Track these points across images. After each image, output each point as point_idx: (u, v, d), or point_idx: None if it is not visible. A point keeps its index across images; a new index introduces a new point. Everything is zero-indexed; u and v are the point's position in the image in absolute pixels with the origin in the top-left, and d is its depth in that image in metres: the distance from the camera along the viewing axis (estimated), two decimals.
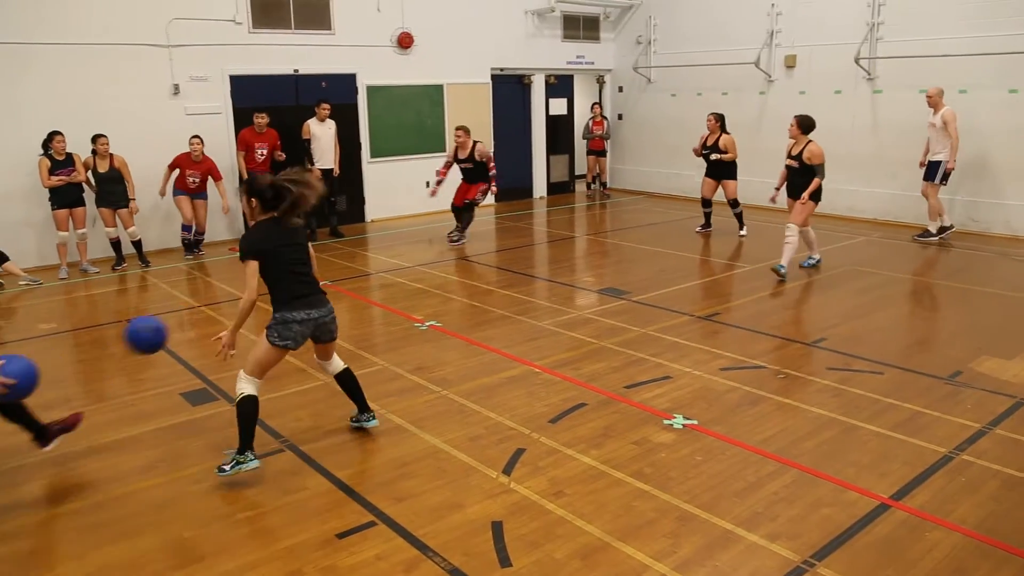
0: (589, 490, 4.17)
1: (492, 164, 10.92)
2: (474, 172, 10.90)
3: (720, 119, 11.12)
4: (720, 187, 11.21)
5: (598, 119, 14.89)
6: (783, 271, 8.50)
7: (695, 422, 4.97)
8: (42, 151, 9.08)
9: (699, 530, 3.78)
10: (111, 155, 9.44)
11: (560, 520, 3.89)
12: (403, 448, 4.72)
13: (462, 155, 10.82)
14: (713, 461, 4.47)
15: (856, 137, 12.24)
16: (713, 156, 11.08)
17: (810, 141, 8.83)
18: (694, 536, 3.73)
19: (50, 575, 3.56)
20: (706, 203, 11.47)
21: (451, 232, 11.15)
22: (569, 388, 5.60)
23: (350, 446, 4.77)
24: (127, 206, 9.59)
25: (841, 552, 3.57)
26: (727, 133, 11.08)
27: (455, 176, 11.15)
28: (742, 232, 11.08)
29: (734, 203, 11.17)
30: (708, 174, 11.35)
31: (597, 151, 15.04)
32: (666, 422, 4.98)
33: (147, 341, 4.59)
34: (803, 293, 8.02)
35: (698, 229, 11.55)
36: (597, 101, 15.63)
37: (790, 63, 12.93)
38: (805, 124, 8.87)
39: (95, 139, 9.33)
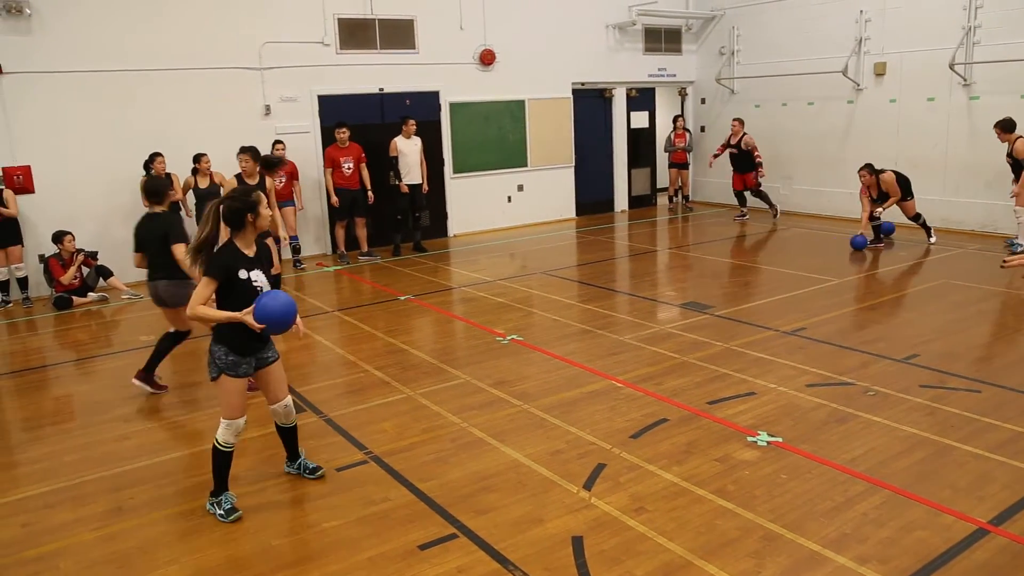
0: (671, 507, 4.13)
1: (757, 153, 13.36)
2: (739, 159, 13.53)
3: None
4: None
5: (680, 132, 14.78)
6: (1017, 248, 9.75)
7: (780, 439, 4.86)
8: (144, 172, 9.57)
9: (784, 550, 3.69)
10: (211, 173, 9.89)
11: (641, 537, 3.86)
12: (484, 462, 4.77)
13: (733, 141, 13.47)
14: (799, 480, 4.36)
15: (951, 145, 11.76)
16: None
17: (1020, 137, 9.74)
18: (779, 556, 3.64)
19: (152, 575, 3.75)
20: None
21: (737, 215, 13.96)
22: (651, 403, 5.55)
23: (432, 459, 4.84)
24: None
25: None
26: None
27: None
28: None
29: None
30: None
31: (679, 164, 14.94)
32: (750, 439, 4.89)
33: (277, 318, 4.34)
34: (894, 308, 7.74)
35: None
36: (680, 114, 15.50)
37: (880, 70, 12.54)
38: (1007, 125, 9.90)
39: (197, 158, 9.81)
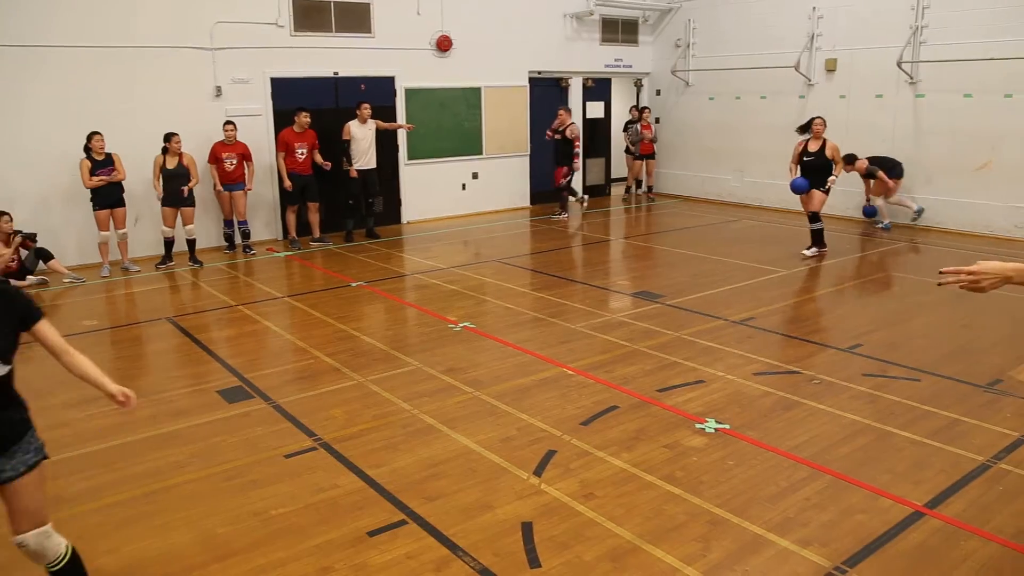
0: (620, 493, 4.17)
1: (578, 146, 13.07)
2: (561, 150, 13.10)
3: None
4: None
5: (647, 123, 14.87)
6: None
7: (727, 426, 4.94)
8: (85, 152, 9.31)
9: (730, 534, 3.75)
10: (181, 153, 9.73)
11: (590, 522, 3.89)
12: (435, 448, 4.76)
13: (557, 127, 12.94)
14: (745, 466, 4.43)
15: (897, 141, 12.04)
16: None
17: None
18: (725, 540, 3.71)
19: (87, 567, 3.64)
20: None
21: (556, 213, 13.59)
22: (602, 391, 5.59)
23: (382, 445, 4.81)
24: (191, 204, 9.89)
25: (873, 559, 3.53)
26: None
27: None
28: None
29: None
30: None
31: (647, 155, 15.03)
32: (698, 426, 4.96)
33: None
34: (839, 298, 7.91)
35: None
36: (646, 105, 15.58)
37: (831, 67, 12.77)
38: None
39: (168, 137, 9.65)
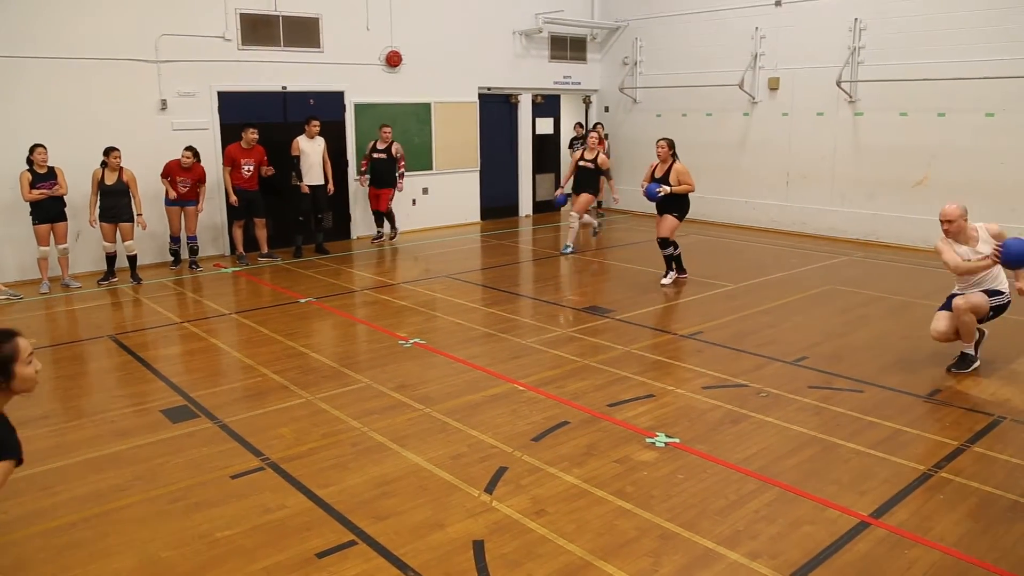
0: (571, 508, 4.17)
1: (403, 164, 12.19)
2: (383, 170, 12.11)
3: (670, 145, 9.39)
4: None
5: (600, 139, 14.96)
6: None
7: (677, 440, 4.98)
8: (27, 165, 9.04)
9: (680, 548, 3.78)
10: (121, 168, 9.45)
11: (542, 539, 3.88)
12: (385, 466, 4.70)
13: (380, 147, 12.03)
14: (695, 479, 4.47)
15: (838, 158, 12.38)
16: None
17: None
18: (675, 555, 3.73)
19: None
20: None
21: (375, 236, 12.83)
22: (552, 406, 5.60)
23: (331, 464, 4.74)
24: (130, 220, 9.59)
25: (821, 570, 3.58)
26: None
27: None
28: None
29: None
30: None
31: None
32: (649, 440, 4.99)
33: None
34: (785, 312, 8.07)
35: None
36: (599, 121, 15.71)
37: (773, 85, 13.08)
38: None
39: (108, 152, 9.37)
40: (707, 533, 3.90)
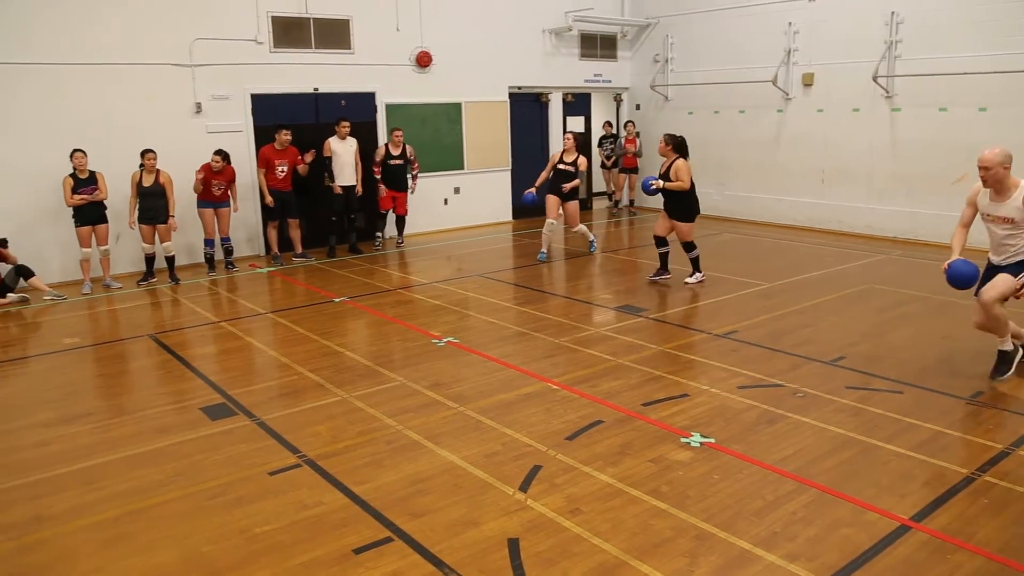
0: (606, 508, 4.16)
1: (416, 165, 11.97)
2: (396, 173, 11.85)
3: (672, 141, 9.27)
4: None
5: (631, 136, 14.98)
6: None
7: (713, 440, 4.95)
8: (72, 170, 9.23)
9: (716, 549, 3.75)
10: (157, 171, 9.60)
11: (576, 538, 3.87)
12: (420, 464, 4.73)
13: (395, 152, 11.74)
14: (731, 480, 4.44)
15: (875, 155, 12.20)
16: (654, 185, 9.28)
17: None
18: (711, 555, 3.70)
19: None
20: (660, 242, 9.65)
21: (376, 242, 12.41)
22: (586, 405, 5.59)
23: (367, 462, 4.78)
24: (166, 221, 9.73)
25: (860, 574, 3.53)
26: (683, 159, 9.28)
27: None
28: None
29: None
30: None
31: (630, 168, 15.14)
32: (683, 440, 4.96)
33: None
34: (821, 311, 7.97)
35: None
36: (631, 119, 15.66)
37: (807, 81, 12.92)
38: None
39: (143, 154, 9.51)
40: (744, 534, 3.87)
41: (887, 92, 11.84)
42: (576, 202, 11.07)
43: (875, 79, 11.77)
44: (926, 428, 5.10)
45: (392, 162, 11.77)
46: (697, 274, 9.37)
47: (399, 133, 11.81)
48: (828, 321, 7.63)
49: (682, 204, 9.23)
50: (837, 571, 3.55)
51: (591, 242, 11.47)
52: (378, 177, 11.78)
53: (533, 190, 10.92)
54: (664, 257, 9.55)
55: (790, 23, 12.96)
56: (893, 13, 11.56)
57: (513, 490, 4.37)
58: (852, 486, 4.33)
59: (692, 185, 9.20)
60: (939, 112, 11.25)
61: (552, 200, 10.89)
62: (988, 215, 5.82)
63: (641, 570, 3.60)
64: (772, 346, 6.84)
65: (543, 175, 11.06)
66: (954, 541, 3.78)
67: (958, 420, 5.23)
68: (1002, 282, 5.71)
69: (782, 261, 10.51)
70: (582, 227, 11.25)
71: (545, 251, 11.05)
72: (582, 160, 10.91)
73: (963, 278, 5.80)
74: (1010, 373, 5.93)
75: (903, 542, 3.78)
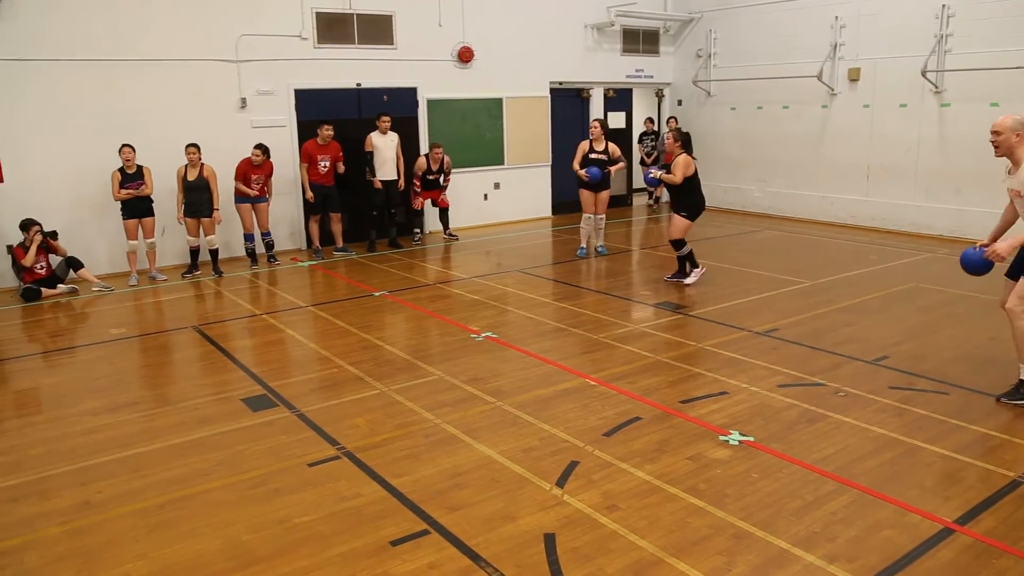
0: (643, 505, 4.15)
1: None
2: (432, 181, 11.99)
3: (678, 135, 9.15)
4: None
5: (673, 132, 14.83)
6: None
7: (752, 439, 4.90)
8: (120, 164, 9.45)
9: (754, 548, 3.72)
10: (202, 164, 9.77)
11: (613, 534, 3.87)
12: (457, 458, 4.76)
13: (435, 167, 11.72)
14: (770, 479, 4.40)
15: (922, 152, 11.94)
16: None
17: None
18: (749, 554, 3.67)
19: (118, 571, 3.69)
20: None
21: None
22: (624, 401, 5.57)
23: (405, 455, 4.83)
24: (210, 215, 9.90)
25: None
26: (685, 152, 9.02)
27: None
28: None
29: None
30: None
31: (669, 164, 14.97)
32: (722, 438, 4.92)
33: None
34: (864, 310, 7.84)
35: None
36: (673, 115, 15.54)
37: (854, 76, 12.69)
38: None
39: (186, 148, 9.68)
40: (782, 533, 3.83)
41: (936, 87, 11.58)
42: (608, 192, 10.75)
43: (924, 74, 11.52)
44: (972, 430, 4.99)
45: (430, 176, 11.91)
46: (695, 270, 9.06)
47: (439, 150, 11.82)
48: (871, 320, 7.50)
49: (681, 200, 9.01)
50: (878, 573, 3.50)
51: (597, 247, 11.07)
52: (418, 190, 11.91)
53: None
54: (681, 260, 9.21)
55: (836, 17, 12.74)
56: (944, 6, 11.31)
57: (550, 485, 4.38)
58: (894, 487, 4.26)
59: (696, 183, 8.96)
60: (990, 107, 10.96)
61: (587, 195, 10.62)
62: (1010, 189, 5.36)
63: (678, 568, 3.58)
64: (813, 344, 6.75)
65: (576, 166, 10.47)
66: (999, 545, 3.70)
67: (1005, 422, 5.11)
68: (1021, 285, 5.21)
69: (824, 259, 10.35)
70: (602, 219, 10.86)
71: (585, 246, 10.91)
72: (613, 147, 10.53)
73: (967, 265, 5.48)
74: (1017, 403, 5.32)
75: (946, 545, 3.71)
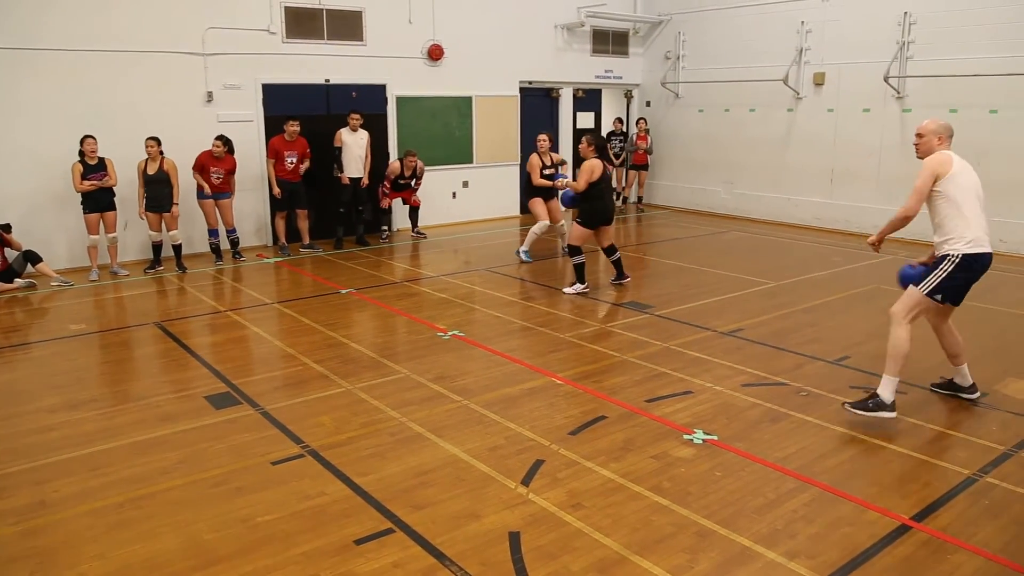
0: (607, 503, 4.17)
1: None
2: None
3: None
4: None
5: (642, 133, 14.96)
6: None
7: (715, 437, 4.95)
8: (78, 157, 9.26)
9: (717, 546, 3.76)
10: (162, 158, 9.61)
11: (578, 532, 3.88)
12: (422, 456, 4.75)
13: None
14: (732, 477, 4.44)
15: (884, 156, 12.15)
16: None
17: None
18: (712, 552, 3.71)
19: (74, 572, 3.62)
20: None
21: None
22: (590, 400, 5.60)
23: (370, 453, 4.80)
24: (170, 209, 9.76)
25: (860, 572, 3.54)
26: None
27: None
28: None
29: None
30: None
31: (640, 165, 15.12)
32: (686, 437, 4.96)
33: None
34: (827, 311, 7.95)
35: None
36: (642, 116, 15.62)
37: (819, 80, 12.88)
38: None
39: (145, 141, 9.51)
40: (744, 531, 3.87)
41: (898, 93, 11.80)
42: (557, 199, 10.42)
43: (886, 79, 11.72)
44: (929, 428, 5.10)
45: (402, 181, 11.88)
46: (578, 285, 8.69)
47: (413, 158, 11.70)
48: (834, 321, 7.61)
49: (581, 207, 8.67)
50: (837, 569, 3.55)
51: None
52: (387, 192, 11.89)
53: (559, 183, 10.03)
54: (616, 264, 9.01)
55: (802, 22, 12.91)
56: (906, 14, 11.52)
57: (515, 484, 4.38)
58: (854, 485, 4.33)
59: (601, 190, 8.56)
60: (949, 113, 11.17)
61: (539, 203, 10.37)
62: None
63: (641, 566, 3.60)
64: (777, 344, 6.83)
65: (541, 183, 10.23)
66: (954, 541, 3.78)
67: (961, 421, 5.22)
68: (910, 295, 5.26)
69: (789, 260, 10.49)
70: (564, 225, 10.72)
71: (528, 249, 10.56)
72: (557, 157, 10.45)
73: (905, 282, 5.57)
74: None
75: (903, 541, 3.78)
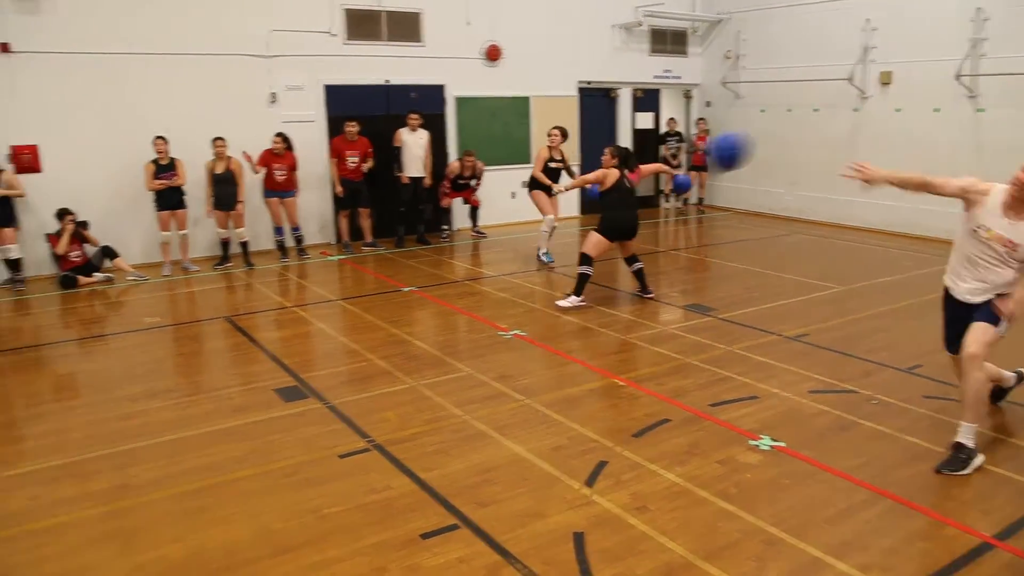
0: (672, 507, 4.14)
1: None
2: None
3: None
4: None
5: (702, 134, 14.81)
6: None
7: (783, 444, 4.87)
8: (156, 156, 9.58)
9: (786, 555, 3.70)
10: (229, 158, 9.86)
11: (643, 536, 3.86)
12: (486, 454, 4.78)
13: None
14: (801, 485, 4.37)
15: (955, 157, 11.77)
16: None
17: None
18: (780, 561, 3.65)
19: (155, 553, 3.75)
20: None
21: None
22: (653, 403, 5.56)
23: (434, 449, 4.85)
24: (235, 207, 10.02)
25: None
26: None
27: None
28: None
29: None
30: None
31: (699, 166, 14.96)
32: (752, 443, 4.90)
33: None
34: (897, 317, 7.76)
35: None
36: (702, 116, 15.47)
37: (885, 80, 12.55)
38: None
39: (213, 141, 9.78)
40: (814, 541, 3.80)
41: (971, 92, 11.43)
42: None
43: (958, 78, 11.37)
44: (1011, 443, 4.92)
45: (461, 181, 12.10)
46: (574, 297, 8.17)
47: (471, 158, 11.91)
48: (905, 327, 7.42)
49: (603, 213, 8.36)
50: None
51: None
52: (447, 192, 12.09)
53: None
54: (638, 274, 8.54)
55: (868, 19, 12.60)
56: (978, 9, 11.15)
57: (579, 484, 4.38)
58: (930, 499, 4.21)
59: (615, 200, 8.22)
60: None
61: (543, 196, 10.44)
62: (988, 229, 4.75)
63: (709, 571, 3.57)
64: (845, 351, 6.69)
65: (540, 176, 10.32)
66: None
67: None
68: (981, 331, 4.62)
69: (855, 264, 10.26)
70: (552, 219, 10.52)
71: (546, 249, 10.48)
72: (567, 156, 10.55)
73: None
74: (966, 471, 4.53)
75: (985, 560, 3.65)
